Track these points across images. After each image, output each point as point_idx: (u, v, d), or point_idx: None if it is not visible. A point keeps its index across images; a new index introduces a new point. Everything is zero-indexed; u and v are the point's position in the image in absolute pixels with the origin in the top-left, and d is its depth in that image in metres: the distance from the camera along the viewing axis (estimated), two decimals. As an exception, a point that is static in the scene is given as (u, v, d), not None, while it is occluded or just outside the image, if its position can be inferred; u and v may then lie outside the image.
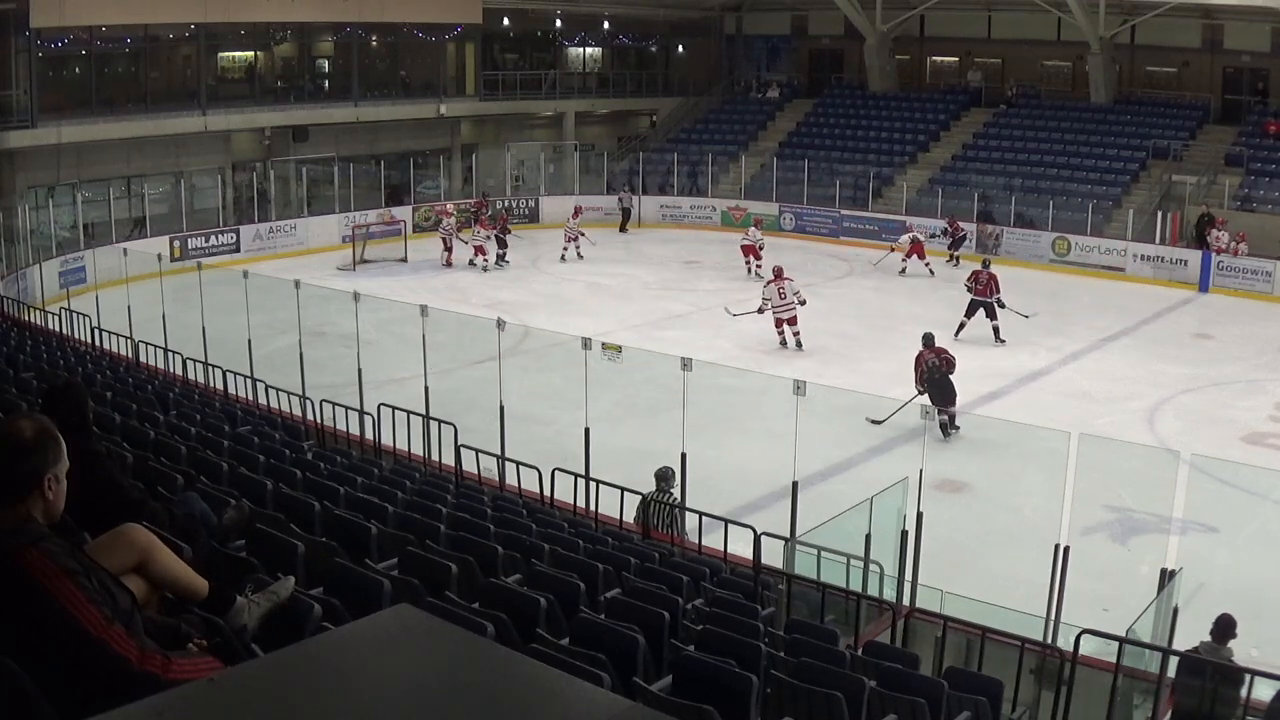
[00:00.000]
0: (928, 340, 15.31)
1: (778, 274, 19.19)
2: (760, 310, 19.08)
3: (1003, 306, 19.60)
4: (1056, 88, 32.67)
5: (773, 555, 8.56)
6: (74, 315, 15.96)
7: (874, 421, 14.22)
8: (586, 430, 11.49)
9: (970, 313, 19.57)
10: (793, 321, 18.87)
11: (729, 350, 18.24)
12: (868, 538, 8.72)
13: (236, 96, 29.19)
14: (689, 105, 37.08)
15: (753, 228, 26.35)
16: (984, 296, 19.49)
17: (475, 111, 33.83)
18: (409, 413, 11.66)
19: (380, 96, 31.99)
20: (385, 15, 30.49)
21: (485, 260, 25.39)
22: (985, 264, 20.52)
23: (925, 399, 13.93)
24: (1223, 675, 6.71)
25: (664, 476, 10.03)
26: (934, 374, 14.63)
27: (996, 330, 19.42)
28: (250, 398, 12.77)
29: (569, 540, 7.62)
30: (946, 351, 15.17)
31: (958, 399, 14.66)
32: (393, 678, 1.82)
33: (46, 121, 24.36)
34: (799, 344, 18.65)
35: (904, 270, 25.46)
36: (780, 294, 18.83)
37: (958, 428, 14.43)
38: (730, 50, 37.98)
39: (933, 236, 26.45)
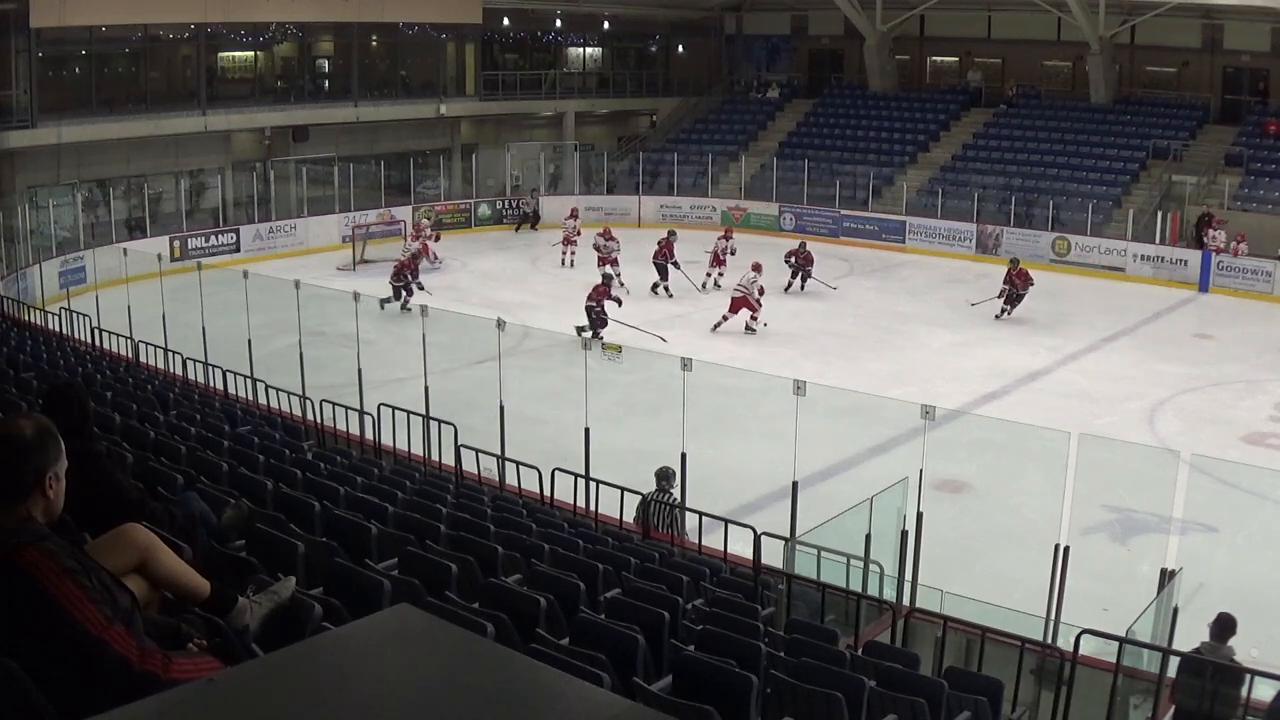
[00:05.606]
0: None
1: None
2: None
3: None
4: (1056, 88, 32.66)
5: (773, 555, 8.56)
6: (74, 315, 15.96)
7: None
8: (586, 430, 11.49)
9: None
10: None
11: (729, 350, 18.24)
12: (868, 538, 8.72)
13: (236, 96, 29.20)
14: (689, 105, 37.08)
15: (570, 219, 26.48)
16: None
17: (475, 111, 33.83)
18: (409, 413, 11.67)
19: (380, 96, 31.98)
20: (385, 15, 30.48)
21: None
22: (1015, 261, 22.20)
23: None
24: (1223, 675, 6.71)
25: (664, 476, 10.04)
26: None
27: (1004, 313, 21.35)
28: (250, 398, 12.77)
29: (569, 540, 7.62)
30: None
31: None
32: (393, 678, 1.82)
33: (46, 121, 24.36)
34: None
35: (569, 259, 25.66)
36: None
37: None
38: (730, 50, 37.97)
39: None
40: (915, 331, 20.59)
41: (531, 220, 31.22)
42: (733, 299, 20.06)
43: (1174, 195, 27.31)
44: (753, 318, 19.95)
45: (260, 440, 9.07)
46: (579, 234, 25.84)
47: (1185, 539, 10.73)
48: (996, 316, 21.28)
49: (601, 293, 19.19)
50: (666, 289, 22.90)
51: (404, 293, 20.95)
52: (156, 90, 27.75)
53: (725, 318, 19.98)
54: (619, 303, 19.23)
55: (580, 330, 18.29)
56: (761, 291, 20.02)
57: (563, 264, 25.77)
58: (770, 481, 11.75)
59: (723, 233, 24.81)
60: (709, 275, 23.34)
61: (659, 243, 23.11)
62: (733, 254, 23.44)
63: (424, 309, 13.39)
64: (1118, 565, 10.82)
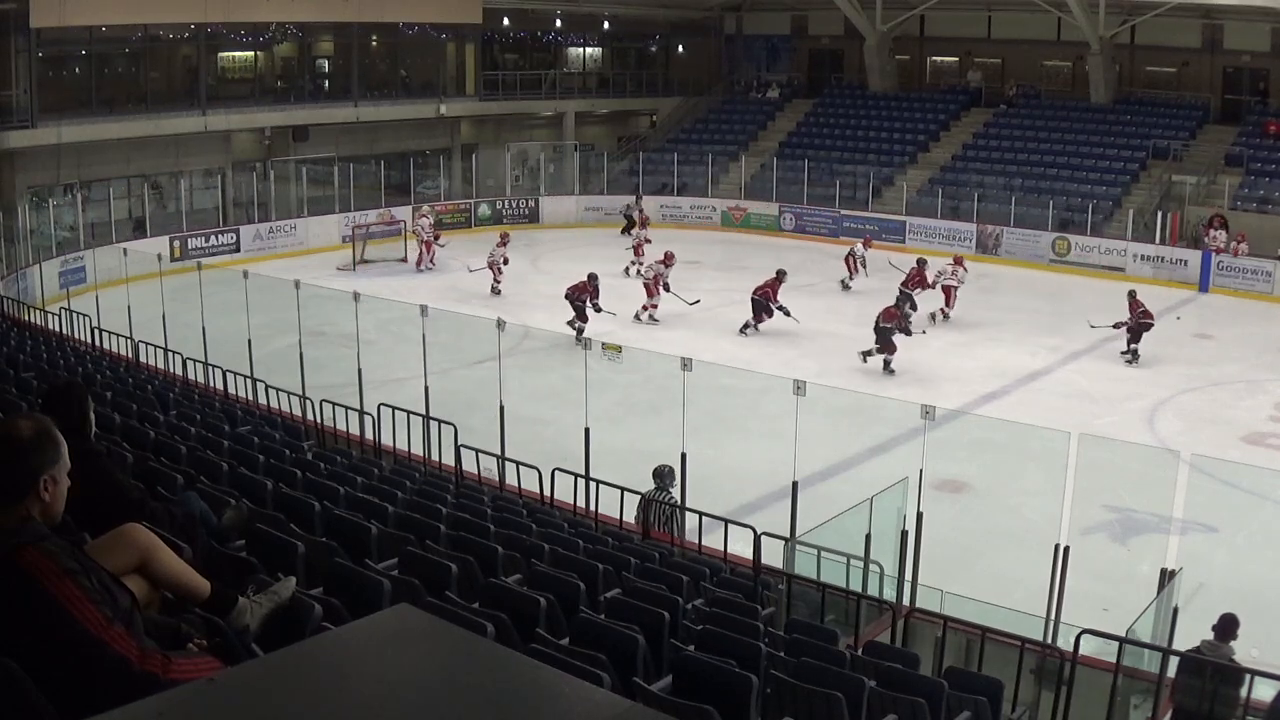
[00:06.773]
0: None
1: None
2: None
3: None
4: (1056, 88, 32.66)
5: (773, 555, 8.56)
6: (74, 315, 15.96)
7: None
8: (586, 430, 11.49)
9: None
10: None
11: (729, 350, 18.23)
12: (868, 538, 8.72)
13: (236, 96, 29.20)
14: (689, 105, 37.07)
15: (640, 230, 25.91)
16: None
17: (475, 111, 33.83)
18: (409, 413, 11.67)
19: (380, 96, 31.99)
20: (385, 15, 30.49)
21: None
22: (1132, 294, 19.43)
23: None
24: (1223, 675, 6.71)
25: (662, 474, 10.05)
26: None
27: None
28: (250, 398, 12.77)
29: (569, 540, 7.62)
30: None
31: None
32: (393, 678, 1.82)
33: (46, 121, 24.37)
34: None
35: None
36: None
37: None
38: (730, 50, 37.96)
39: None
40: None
41: (629, 225, 29.06)
42: (944, 288, 21.38)
43: (1174, 195, 27.32)
44: (946, 304, 21.57)
45: (260, 440, 9.07)
46: (649, 242, 24.69)
47: (1185, 539, 10.73)
48: (1128, 360, 18.61)
49: (893, 314, 17.96)
50: (753, 326, 20.17)
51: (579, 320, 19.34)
52: (156, 90, 27.77)
53: (943, 312, 21.34)
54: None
55: (865, 355, 17.88)
56: (961, 280, 21.52)
57: (627, 274, 23.95)
58: (770, 481, 11.76)
59: (862, 240, 25.16)
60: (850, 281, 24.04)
61: (767, 280, 20.39)
62: (863, 265, 23.92)
63: (424, 309, 13.37)
64: (1118, 565, 10.82)
